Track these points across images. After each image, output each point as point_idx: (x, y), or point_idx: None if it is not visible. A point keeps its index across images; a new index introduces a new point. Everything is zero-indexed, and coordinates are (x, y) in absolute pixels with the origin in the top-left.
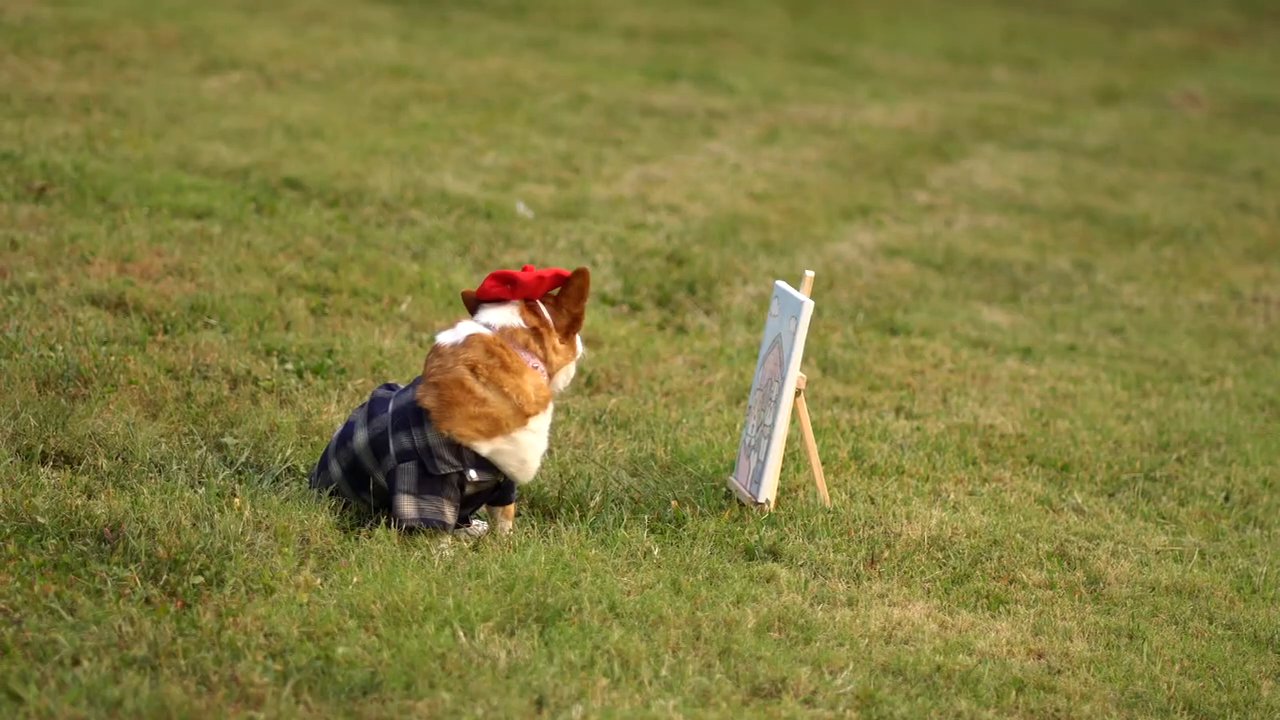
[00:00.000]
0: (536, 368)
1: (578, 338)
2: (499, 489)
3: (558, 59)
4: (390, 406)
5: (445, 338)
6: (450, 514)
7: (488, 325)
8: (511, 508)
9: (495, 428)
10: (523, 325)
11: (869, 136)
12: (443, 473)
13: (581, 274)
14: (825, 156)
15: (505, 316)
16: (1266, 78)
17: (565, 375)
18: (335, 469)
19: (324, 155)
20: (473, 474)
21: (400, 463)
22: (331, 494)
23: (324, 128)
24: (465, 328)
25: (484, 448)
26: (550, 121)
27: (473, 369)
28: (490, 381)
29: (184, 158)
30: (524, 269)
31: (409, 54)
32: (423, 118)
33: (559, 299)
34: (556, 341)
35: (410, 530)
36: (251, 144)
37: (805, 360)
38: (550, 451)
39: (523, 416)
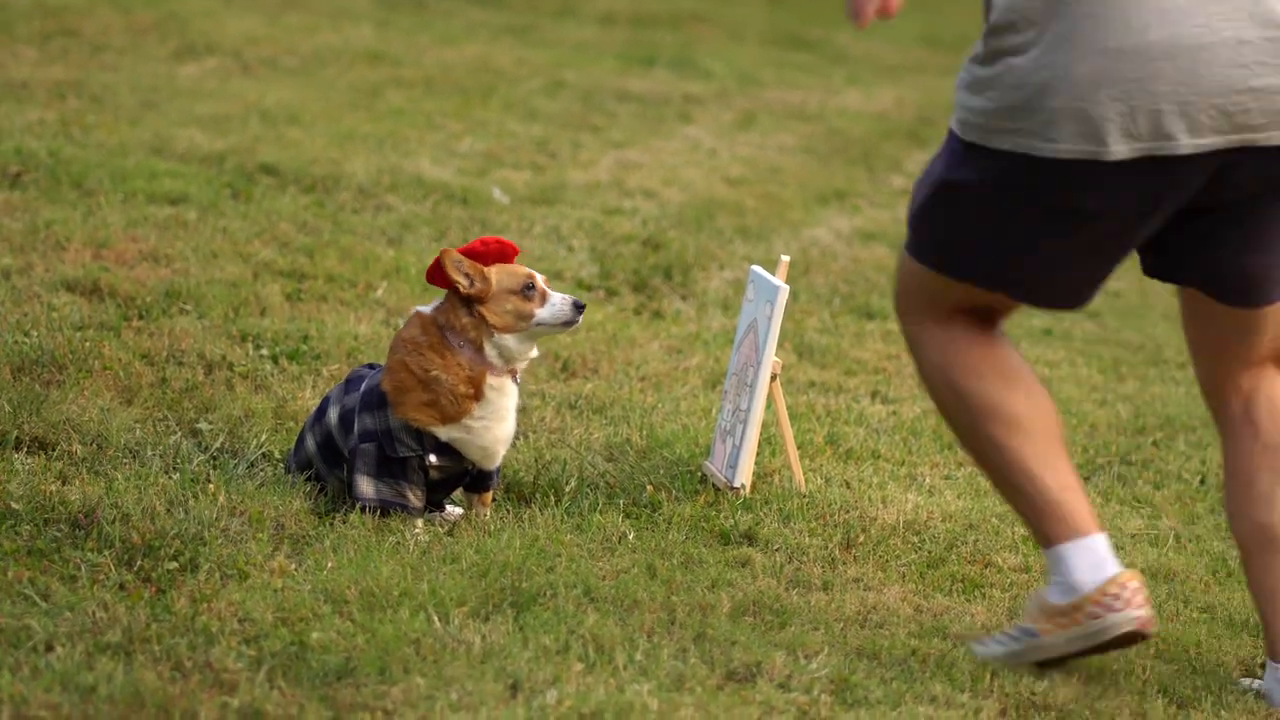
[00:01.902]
0: (462, 347)
1: (557, 300)
2: (471, 475)
3: (534, 45)
4: (363, 385)
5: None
6: (413, 497)
7: (432, 308)
8: (490, 495)
9: (444, 415)
10: (441, 304)
11: (845, 122)
12: (401, 455)
13: (431, 268)
14: (801, 142)
15: (437, 300)
16: None
17: (499, 350)
18: (310, 443)
19: (300, 141)
20: (433, 458)
21: (361, 443)
22: (306, 474)
23: (300, 114)
24: (417, 308)
25: (442, 433)
26: (527, 107)
27: (406, 346)
28: (420, 363)
29: (159, 144)
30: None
31: (386, 40)
32: (399, 104)
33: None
34: (463, 317)
35: (385, 513)
36: (227, 130)
37: (781, 345)
38: (522, 439)
39: (462, 400)
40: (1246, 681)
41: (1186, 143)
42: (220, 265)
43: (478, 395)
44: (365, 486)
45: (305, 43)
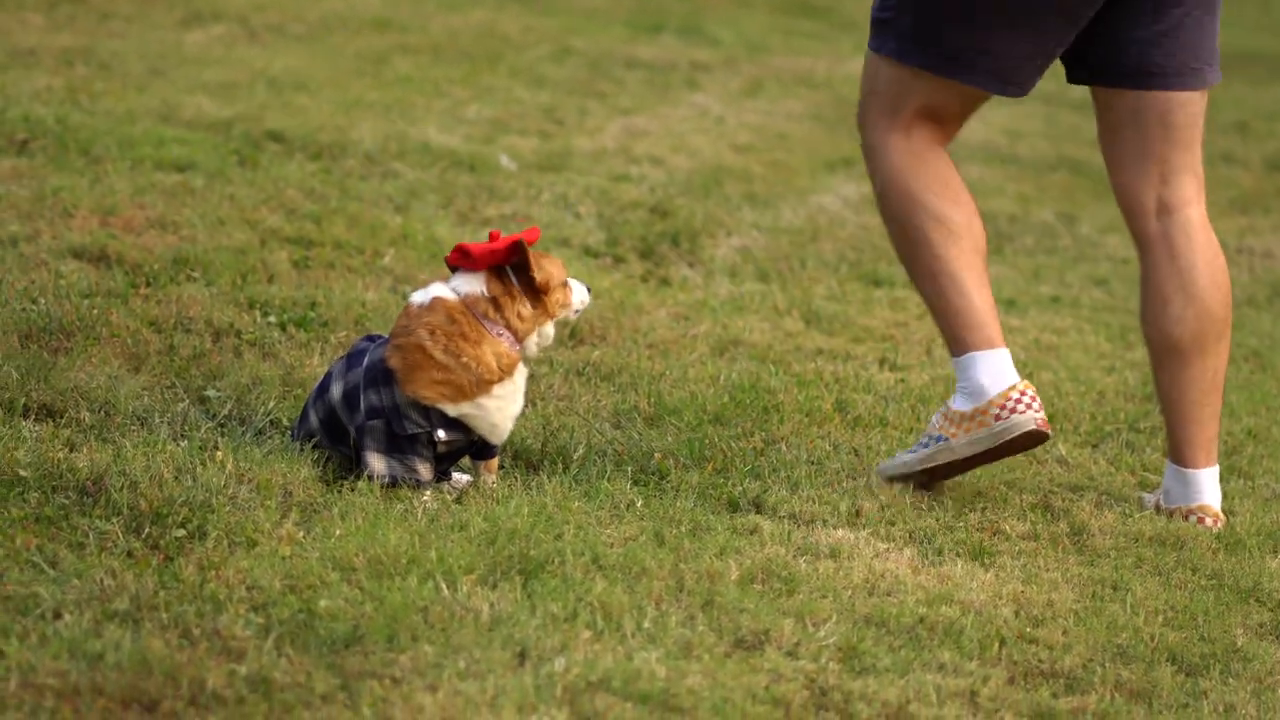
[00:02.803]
0: (501, 335)
1: (578, 286)
2: (475, 444)
3: (541, 11)
4: (364, 361)
5: (416, 298)
6: (424, 470)
7: (455, 290)
8: (494, 461)
9: (459, 393)
10: (484, 293)
11: (852, 89)
12: (410, 432)
13: (516, 249)
14: (809, 109)
15: (471, 283)
16: (1251, 30)
17: (539, 338)
18: (314, 419)
19: (307, 108)
20: (441, 434)
21: (368, 420)
22: (313, 445)
23: (307, 81)
24: (434, 289)
25: (451, 410)
26: (534, 74)
27: (431, 333)
28: (449, 349)
29: (167, 111)
30: (490, 236)
31: (392, 6)
32: (406, 70)
33: (517, 270)
34: (522, 308)
35: (393, 483)
36: (234, 97)
37: (788, 312)
38: (529, 407)
39: (484, 384)
40: (1149, 498)
41: None
42: (227, 232)
43: (503, 378)
44: (376, 463)
45: (312, 9)
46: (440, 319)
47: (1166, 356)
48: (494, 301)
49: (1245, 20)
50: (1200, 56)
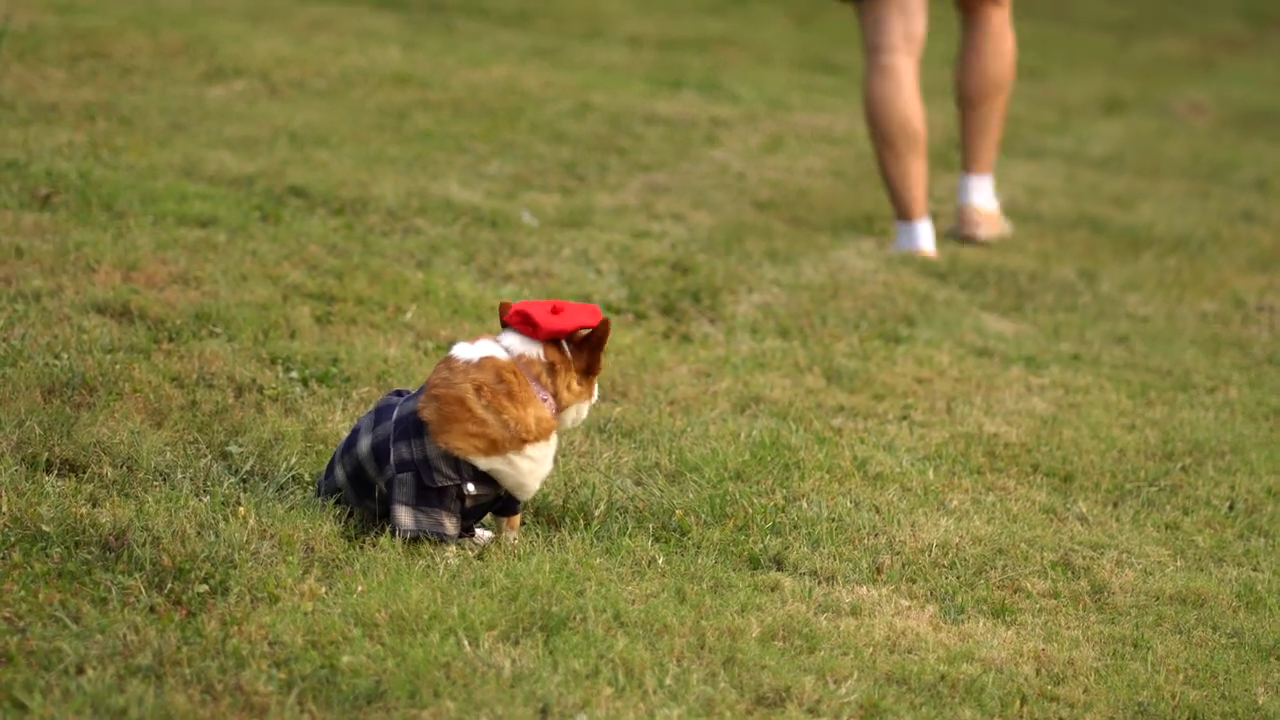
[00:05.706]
0: (545, 400)
1: (595, 383)
2: (501, 500)
3: (562, 67)
4: (394, 414)
5: (461, 351)
6: (450, 525)
7: (507, 349)
8: (517, 518)
9: (492, 448)
10: (540, 358)
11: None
12: (440, 485)
13: (605, 325)
14: (829, 165)
15: (526, 345)
16: (1271, 87)
17: (576, 413)
18: (340, 474)
19: (328, 163)
20: (470, 488)
21: (399, 473)
22: (336, 501)
23: (328, 136)
24: (484, 347)
25: (482, 463)
26: (554, 130)
27: (477, 390)
28: (492, 405)
29: (189, 166)
30: (553, 308)
31: (413, 62)
32: (427, 126)
33: (581, 343)
34: (573, 381)
35: (415, 539)
36: (256, 152)
37: (809, 369)
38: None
39: (519, 443)
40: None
41: None
42: (250, 288)
43: (539, 440)
44: (405, 518)
45: (333, 64)
46: (489, 377)
47: (963, 104)
48: (550, 367)
49: (1264, 77)
50: None
